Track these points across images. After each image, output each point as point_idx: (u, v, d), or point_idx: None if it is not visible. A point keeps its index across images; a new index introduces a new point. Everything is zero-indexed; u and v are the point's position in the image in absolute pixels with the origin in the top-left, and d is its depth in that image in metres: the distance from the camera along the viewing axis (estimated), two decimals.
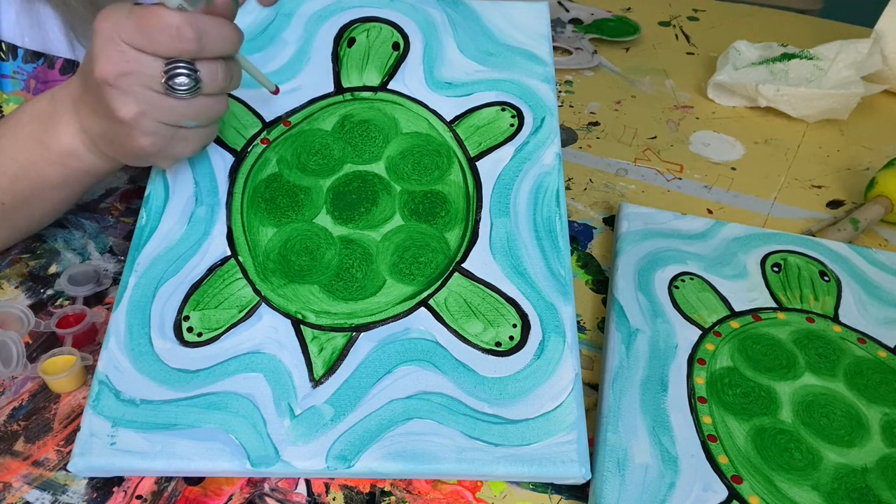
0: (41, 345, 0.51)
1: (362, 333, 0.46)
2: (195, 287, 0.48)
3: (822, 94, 0.78)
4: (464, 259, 0.50)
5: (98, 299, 0.54)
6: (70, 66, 0.59)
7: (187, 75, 0.42)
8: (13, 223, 0.53)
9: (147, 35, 0.40)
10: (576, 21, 0.95)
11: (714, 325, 0.52)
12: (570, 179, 0.70)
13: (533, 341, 0.46)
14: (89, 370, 0.49)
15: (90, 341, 0.51)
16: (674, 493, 0.42)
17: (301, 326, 0.47)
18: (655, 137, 0.77)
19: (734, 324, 0.53)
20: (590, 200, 0.68)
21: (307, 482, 0.44)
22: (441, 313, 0.47)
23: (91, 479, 0.44)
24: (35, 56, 0.58)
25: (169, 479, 0.44)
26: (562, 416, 0.43)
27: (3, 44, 0.56)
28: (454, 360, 0.46)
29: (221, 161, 0.52)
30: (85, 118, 0.46)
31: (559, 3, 0.99)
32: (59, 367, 0.48)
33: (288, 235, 0.50)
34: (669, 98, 0.83)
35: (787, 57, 0.82)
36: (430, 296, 0.48)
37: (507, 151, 0.54)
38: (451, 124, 0.55)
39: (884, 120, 0.82)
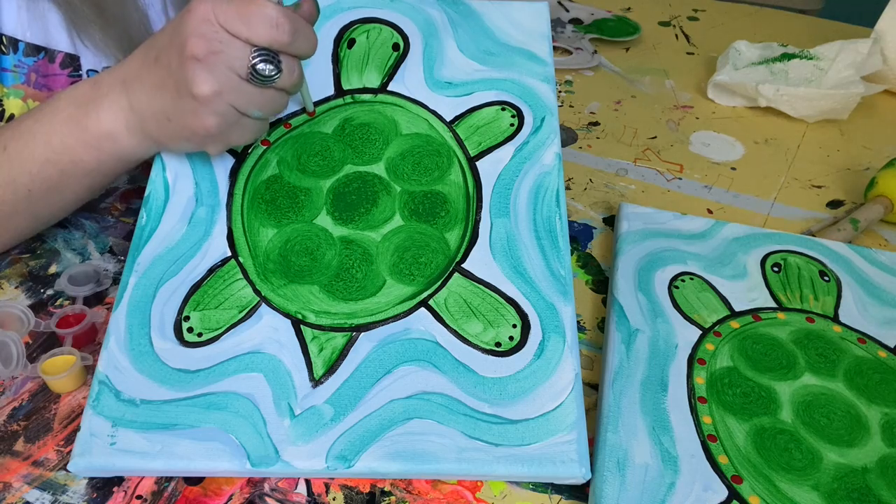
0: (41, 345, 0.51)
1: (362, 333, 0.46)
2: (195, 287, 0.48)
3: (822, 94, 0.78)
4: (464, 259, 0.50)
5: (98, 299, 0.54)
6: (70, 61, 0.60)
7: (271, 62, 0.44)
8: (35, 212, 0.53)
9: (247, 22, 0.43)
10: (576, 21, 0.95)
11: (714, 325, 0.52)
12: (570, 179, 0.70)
13: (533, 341, 0.46)
14: (89, 370, 0.49)
15: (90, 341, 0.51)
16: (674, 494, 0.42)
17: (301, 326, 0.47)
18: (655, 137, 0.77)
19: (734, 324, 0.53)
20: (590, 200, 0.68)
21: (307, 482, 0.44)
22: (441, 313, 0.47)
23: (91, 479, 0.44)
24: (36, 50, 0.58)
25: (169, 479, 0.44)
26: (562, 416, 0.43)
27: (3, 37, 0.57)
28: (454, 360, 0.46)
29: (222, 162, 0.52)
30: (138, 96, 0.47)
31: (559, 3, 0.99)
32: (59, 367, 0.48)
33: (288, 236, 0.50)
34: (669, 98, 0.83)
35: (787, 57, 0.82)
36: (430, 296, 0.48)
37: (507, 151, 0.54)
38: (450, 124, 0.55)
39: (884, 120, 0.82)
